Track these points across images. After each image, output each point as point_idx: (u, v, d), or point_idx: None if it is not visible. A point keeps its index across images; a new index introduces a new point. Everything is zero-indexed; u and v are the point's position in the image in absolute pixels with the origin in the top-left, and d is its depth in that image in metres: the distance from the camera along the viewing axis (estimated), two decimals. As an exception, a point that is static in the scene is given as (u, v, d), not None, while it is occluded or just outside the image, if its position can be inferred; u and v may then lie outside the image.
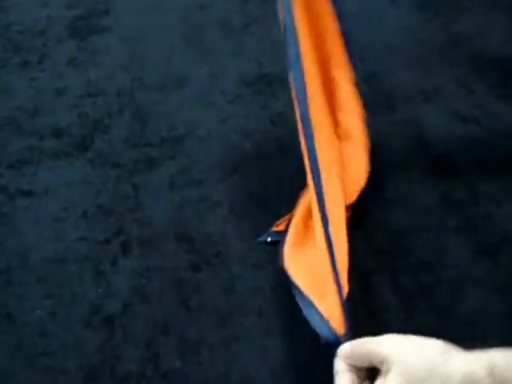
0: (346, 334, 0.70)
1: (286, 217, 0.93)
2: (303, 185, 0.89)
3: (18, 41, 1.30)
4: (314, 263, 0.80)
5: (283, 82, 1.16)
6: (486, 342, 0.80)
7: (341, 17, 0.90)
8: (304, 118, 0.80)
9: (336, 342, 0.69)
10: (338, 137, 0.95)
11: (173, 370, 0.81)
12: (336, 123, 0.95)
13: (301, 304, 0.75)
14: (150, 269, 0.92)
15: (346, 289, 0.75)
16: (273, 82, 1.18)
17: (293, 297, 0.76)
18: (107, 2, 1.36)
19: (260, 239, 0.94)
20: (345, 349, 0.67)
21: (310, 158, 0.79)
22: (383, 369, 0.64)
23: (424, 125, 1.08)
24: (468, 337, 0.82)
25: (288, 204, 0.94)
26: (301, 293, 0.76)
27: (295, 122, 1.07)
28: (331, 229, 0.78)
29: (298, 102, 0.81)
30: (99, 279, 0.91)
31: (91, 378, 0.81)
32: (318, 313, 0.73)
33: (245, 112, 1.13)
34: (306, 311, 0.74)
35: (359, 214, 0.94)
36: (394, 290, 0.88)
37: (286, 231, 0.88)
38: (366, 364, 0.66)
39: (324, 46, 0.92)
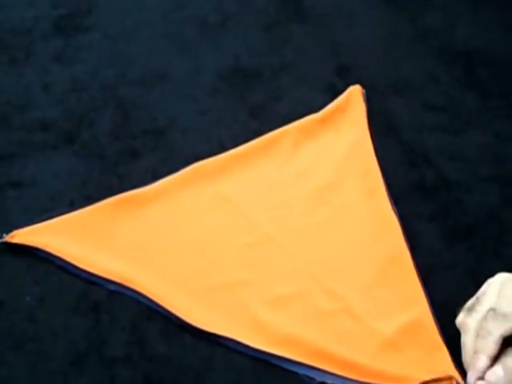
0: None
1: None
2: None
3: (6, 39, 1.26)
4: None
5: (258, 76, 1.14)
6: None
7: None
8: None
9: None
10: None
11: (158, 354, 0.79)
12: None
13: None
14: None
15: None
16: (249, 76, 1.15)
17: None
18: (90, 2, 1.33)
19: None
20: None
21: None
22: None
23: (395, 116, 1.07)
24: (443, 321, 0.79)
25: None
26: None
27: (272, 114, 1.06)
28: None
29: None
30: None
31: (79, 362, 0.78)
32: None
33: (223, 105, 1.11)
34: None
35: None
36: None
37: None
38: None
39: None
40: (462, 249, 0.89)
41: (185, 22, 1.27)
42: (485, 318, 0.69)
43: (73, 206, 0.95)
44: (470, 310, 0.72)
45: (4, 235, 0.90)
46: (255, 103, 1.10)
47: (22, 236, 0.90)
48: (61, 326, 0.82)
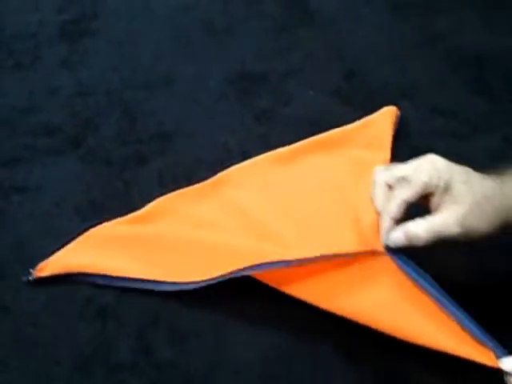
0: None
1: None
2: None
3: (11, 44, 1.27)
4: None
5: (265, 80, 1.14)
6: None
7: None
8: None
9: None
10: None
11: (164, 360, 0.78)
12: None
13: None
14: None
15: None
16: (255, 81, 1.16)
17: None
18: (96, 6, 1.34)
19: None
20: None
21: None
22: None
23: (403, 120, 1.06)
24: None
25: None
26: None
27: (279, 118, 1.06)
28: None
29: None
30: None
31: (84, 368, 0.78)
32: None
33: (229, 109, 1.11)
34: None
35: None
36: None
37: None
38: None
39: None
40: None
41: (191, 26, 1.28)
42: (394, 185, 0.75)
43: (78, 212, 0.95)
44: (387, 169, 0.77)
45: (31, 271, 0.87)
46: (262, 108, 1.10)
47: (50, 267, 0.88)
48: (66, 332, 0.82)
